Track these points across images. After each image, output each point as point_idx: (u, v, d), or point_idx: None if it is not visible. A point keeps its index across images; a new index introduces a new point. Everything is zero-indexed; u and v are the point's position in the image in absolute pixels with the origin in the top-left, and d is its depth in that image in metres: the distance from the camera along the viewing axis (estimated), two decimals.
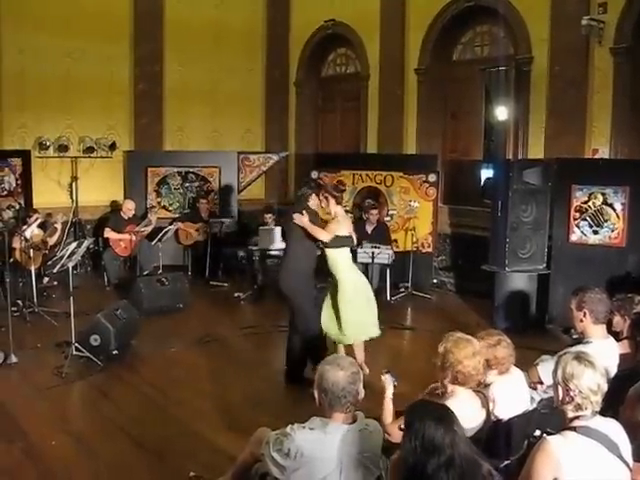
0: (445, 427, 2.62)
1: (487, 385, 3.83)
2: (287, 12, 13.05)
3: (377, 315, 6.50)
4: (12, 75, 10.34)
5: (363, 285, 6.50)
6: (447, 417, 2.71)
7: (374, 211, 9.78)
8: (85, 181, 11.10)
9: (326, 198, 6.39)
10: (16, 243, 8.39)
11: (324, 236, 6.14)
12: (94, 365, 6.55)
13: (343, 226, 6.32)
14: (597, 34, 8.47)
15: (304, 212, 6.18)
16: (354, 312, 6.26)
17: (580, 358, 2.97)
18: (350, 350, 6.33)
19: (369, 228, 9.79)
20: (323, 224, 6.35)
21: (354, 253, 9.09)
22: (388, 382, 3.89)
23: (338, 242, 6.26)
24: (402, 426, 2.77)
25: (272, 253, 9.56)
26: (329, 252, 6.32)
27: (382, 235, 9.74)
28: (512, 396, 3.78)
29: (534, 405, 4.02)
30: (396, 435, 3.42)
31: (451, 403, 3.41)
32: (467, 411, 3.47)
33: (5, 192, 10.18)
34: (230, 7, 12.48)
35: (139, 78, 11.60)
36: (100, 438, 5.12)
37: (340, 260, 6.34)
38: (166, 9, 11.77)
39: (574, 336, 5.06)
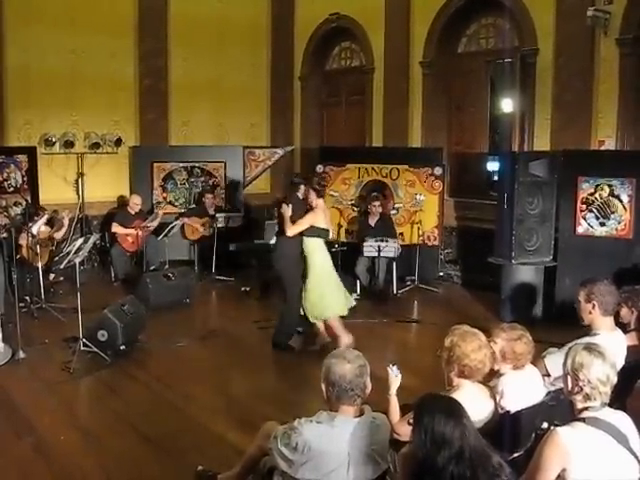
0: (454, 420, 2.62)
1: (499, 375, 3.83)
2: (291, 6, 13.02)
3: (344, 295, 7.14)
4: (17, 72, 10.34)
5: (329, 268, 7.07)
6: (456, 410, 2.71)
7: (376, 203, 9.75)
8: (91, 177, 11.11)
9: (309, 191, 7.02)
10: (23, 240, 8.40)
11: (289, 230, 6.86)
12: (102, 360, 6.57)
13: (320, 218, 6.94)
14: (602, 25, 8.43)
15: (289, 204, 6.92)
16: (321, 291, 6.92)
17: (590, 349, 2.98)
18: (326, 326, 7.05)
19: (372, 221, 9.77)
20: (303, 214, 6.97)
21: (359, 247, 9.24)
22: (392, 379, 3.88)
23: (314, 232, 6.91)
24: (411, 420, 2.77)
25: None
26: (305, 239, 6.94)
27: (386, 227, 9.70)
28: (522, 390, 3.76)
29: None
30: (404, 433, 3.41)
31: (457, 397, 3.40)
32: (473, 404, 3.46)
33: (11, 189, 10.18)
34: (234, 1, 12.46)
35: (144, 73, 11.60)
36: (108, 433, 5.15)
37: (311, 247, 6.93)
38: (170, 4, 11.75)
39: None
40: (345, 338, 6.79)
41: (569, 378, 2.98)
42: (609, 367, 2.94)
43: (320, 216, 6.94)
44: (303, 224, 6.86)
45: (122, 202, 11.25)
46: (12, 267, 8.28)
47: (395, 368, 3.90)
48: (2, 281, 7.93)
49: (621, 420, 2.94)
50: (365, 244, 9.22)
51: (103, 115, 11.24)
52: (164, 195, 11.58)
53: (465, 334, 3.59)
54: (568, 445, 2.78)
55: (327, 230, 7.06)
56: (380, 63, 11.44)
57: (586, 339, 4.08)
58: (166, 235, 10.00)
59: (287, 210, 6.89)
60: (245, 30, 12.68)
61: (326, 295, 6.92)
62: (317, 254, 6.96)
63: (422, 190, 10.12)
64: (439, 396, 2.87)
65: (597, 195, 7.89)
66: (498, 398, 3.69)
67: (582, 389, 2.92)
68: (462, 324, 3.72)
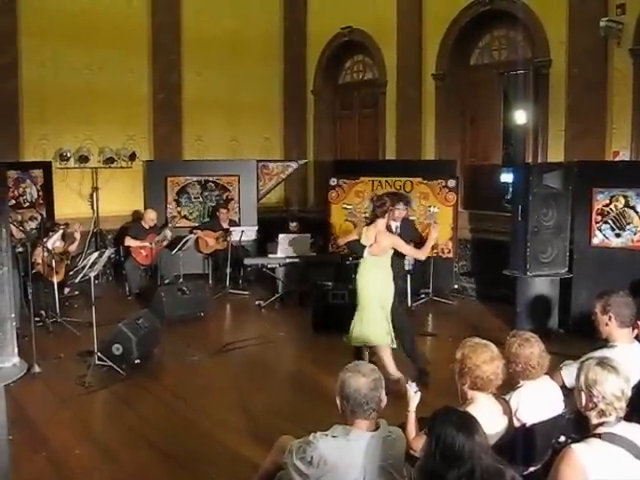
0: (465, 435, 2.58)
1: (516, 388, 3.80)
2: (304, 20, 13.08)
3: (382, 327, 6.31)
4: (33, 87, 10.41)
5: (371, 294, 6.33)
6: (468, 425, 2.67)
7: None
8: (106, 191, 11.19)
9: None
10: (38, 256, 8.42)
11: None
12: (116, 374, 6.58)
13: (365, 233, 6.30)
14: (616, 35, 8.40)
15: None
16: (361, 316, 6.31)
17: (603, 364, 2.94)
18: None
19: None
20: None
21: None
22: (411, 396, 3.86)
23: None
24: (426, 431, 2.75)
25: (291, 260, 9.58)
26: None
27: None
28: (539, 403, 3.73)
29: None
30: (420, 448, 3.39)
31: (472, 410, 3.37)
32: (489, 417, 3.43)
33: (27, 203, 10.25)
34: (247, 16, 12.53)
35: (158, 89, 11.67)
36: (123, 446, 5.15)
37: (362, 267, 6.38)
38: (183, 20, 11.85)
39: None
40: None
41: (583, 394, 2.94)
42: (623, 381, 2.90)
43: (365, 232, 6.30)
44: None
45: (137, 217, 11.30)
46: (27, 281, 8.31)
47: (414, 385, 3.89)
48: (18, 295, 7.96)
49: (637, 434, 2.90)
50: None
51: (117, 130, 11.32)
52: (178, 209, 11.62)
53: (476, 346, 3.56)
54: (584, 462, 2.73)
55: (362, 246, 6.29)
56: (393, 76, 11.45)
57: (604, 351, 4.04)
58: (180, 249, 10.02)
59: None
60: (258, 44, 12.76)
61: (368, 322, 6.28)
62: (364, 275, 6.36)
63: (436, 202, 10.06)
64: (454, 409, 2.84)
65: (612, 206, 7.84)
66: (514, 411, 3.65)
67: (597, 405, 2.88)
68: (475, 337, 3.69)
